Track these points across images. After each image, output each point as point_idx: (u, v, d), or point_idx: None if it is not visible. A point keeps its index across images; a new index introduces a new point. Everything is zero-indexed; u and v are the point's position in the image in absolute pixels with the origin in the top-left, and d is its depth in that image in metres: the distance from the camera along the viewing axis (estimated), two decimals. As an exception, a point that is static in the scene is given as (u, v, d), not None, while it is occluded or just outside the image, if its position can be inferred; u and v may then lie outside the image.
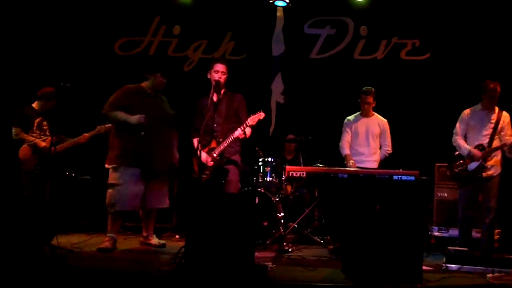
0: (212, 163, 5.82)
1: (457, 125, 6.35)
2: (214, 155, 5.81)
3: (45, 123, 6.73)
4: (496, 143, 6.09)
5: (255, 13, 8.41)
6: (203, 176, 5.81)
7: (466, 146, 6.17)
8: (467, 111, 6.33)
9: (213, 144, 5.87)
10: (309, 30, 8.55)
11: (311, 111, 8.20)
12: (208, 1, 8.46)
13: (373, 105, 6.71)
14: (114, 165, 5.83)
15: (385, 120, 6.74)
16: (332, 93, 8.21)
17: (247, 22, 8.49)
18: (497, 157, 6.09)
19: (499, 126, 6.10)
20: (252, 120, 5.72)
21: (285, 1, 8.01)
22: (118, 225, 5.91)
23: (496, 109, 6.20)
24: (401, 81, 8.10)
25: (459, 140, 6.26)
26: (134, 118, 5.72)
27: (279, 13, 8.55)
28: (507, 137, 6.06)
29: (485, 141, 6.09)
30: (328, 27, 8.49)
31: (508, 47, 7.72)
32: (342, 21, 8.45)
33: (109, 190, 5.79)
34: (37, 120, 6.68)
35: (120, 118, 5.79)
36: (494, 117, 6.15)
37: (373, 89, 6.67)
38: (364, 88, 6.68)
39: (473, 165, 6.05)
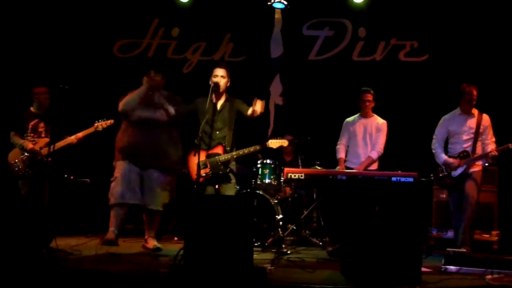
0: (209, 169, 5.78)
1: (437, 130, 6.38)
2: (219, 162, 5.76)
3: (41, 125, 6.69)
4: (479, 148, 6.11)
5: (253, 15, 8.42)
6: (199, 178, 5.82)
7: (442, 155, 6.23)
8: (446, 116, 6.36)
9: (219, 150, 5.81)
10: (308, 31, 8.56)
11: (310, 112, 8.21)
12: (206, 3, 8.47)
13: (372, 105, 6.70)
14: (115, 161, 6.05)
15: (385, 121, 6.72)
16: (331, 94, 8.22)
17: (245, 24, 8.50)
18: (479, 161, 6.13)
19: (480, 130, 6.12)
20: (274, 144, 5.74)
21: (283, 3, 8.01)
22: (119, 219, 5.91)
23: (476, 112, 6.21)
24: (399, 82, 8.11)
25: (437, 148, 6.30)
26: None
27: (278, 15, 8.56)
28: (488, 144, 6.09)
29: (468, 147, 6.11)
30: (326, 28, 8.50)
31: (506, 48, 7.73)
32: (341, 23, 8.46)
33: (112, 184, 5.97)
34: (32, 122, 6.64)
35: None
36: (473, 121, 6.17)
37: (371, 90, 6.69)
38: (363, 88, 6.69)
39: (457, 172, 6.07)
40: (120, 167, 5.94)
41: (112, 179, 5.98)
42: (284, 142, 5.76)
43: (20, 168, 6.52)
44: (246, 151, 5.80)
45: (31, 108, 6.77)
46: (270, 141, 5.77)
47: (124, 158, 5.94)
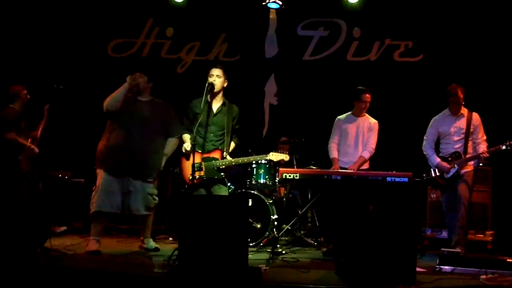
0: (203, 173, 5.75)
1: (427, 132, 6.37)
2: (216, 167, 5.73)
3: (23, 122, 6.63)
4: (470, 148, 6.13)
5: (248, 15, 8.40)
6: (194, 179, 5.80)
7: (434, 157, 6.22)
8: (436, 117, 6.37)
9: (216, 155, 5.79)
10: (302, 32, 8.55)
11: (304, 113, 8.20)
12: (201, 3, 8.44)
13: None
14: (96, 166, 5.87)
15: (376, 121, 6.70)
16: (325, 94, 8.21)
17: (240, 24, 8.48)
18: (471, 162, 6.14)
19: (471, 130, 6.12)
20: (275, 157, 5.77)
21: (278, 3, 8.00)
22: (100, 226, 5.85)
23: (465, 112, 6.21)
24: (394, 83, 8.11)
25: (428, 150, 6.30)
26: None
27: (272, 15, 8.54)
28: (479, 143, 6.09)
29: (459, 148, 6.12)
30: (321, 28, 8.49)
31: (500, 48, 7.75)
32: (335, 23, 8.45)
33: (93, 192, 5.85)
34: (23, 121, 6.57)
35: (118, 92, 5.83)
36: (463, 121, 6.17)
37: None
38: (362, 87, 6.63)
39: (450, 173, 6.08)
40: (100, 176, 5.78)
41: (94, 187, 5.88)
42: (286, 157, 5.78)
43: (33, 173, 6.44)
44: (246, 160, 5.82)
45: (13, 107, 6.59)
46: (271, 153, 5.79)
47: (105, 169, 5.77)
